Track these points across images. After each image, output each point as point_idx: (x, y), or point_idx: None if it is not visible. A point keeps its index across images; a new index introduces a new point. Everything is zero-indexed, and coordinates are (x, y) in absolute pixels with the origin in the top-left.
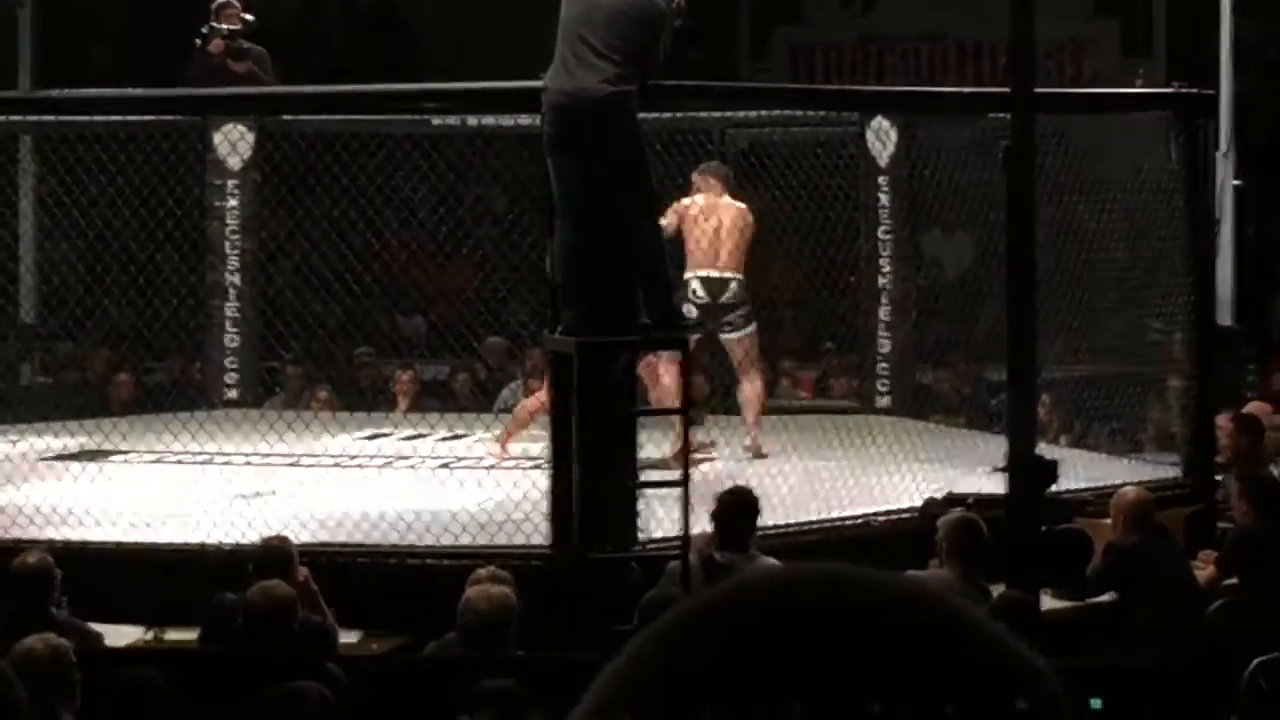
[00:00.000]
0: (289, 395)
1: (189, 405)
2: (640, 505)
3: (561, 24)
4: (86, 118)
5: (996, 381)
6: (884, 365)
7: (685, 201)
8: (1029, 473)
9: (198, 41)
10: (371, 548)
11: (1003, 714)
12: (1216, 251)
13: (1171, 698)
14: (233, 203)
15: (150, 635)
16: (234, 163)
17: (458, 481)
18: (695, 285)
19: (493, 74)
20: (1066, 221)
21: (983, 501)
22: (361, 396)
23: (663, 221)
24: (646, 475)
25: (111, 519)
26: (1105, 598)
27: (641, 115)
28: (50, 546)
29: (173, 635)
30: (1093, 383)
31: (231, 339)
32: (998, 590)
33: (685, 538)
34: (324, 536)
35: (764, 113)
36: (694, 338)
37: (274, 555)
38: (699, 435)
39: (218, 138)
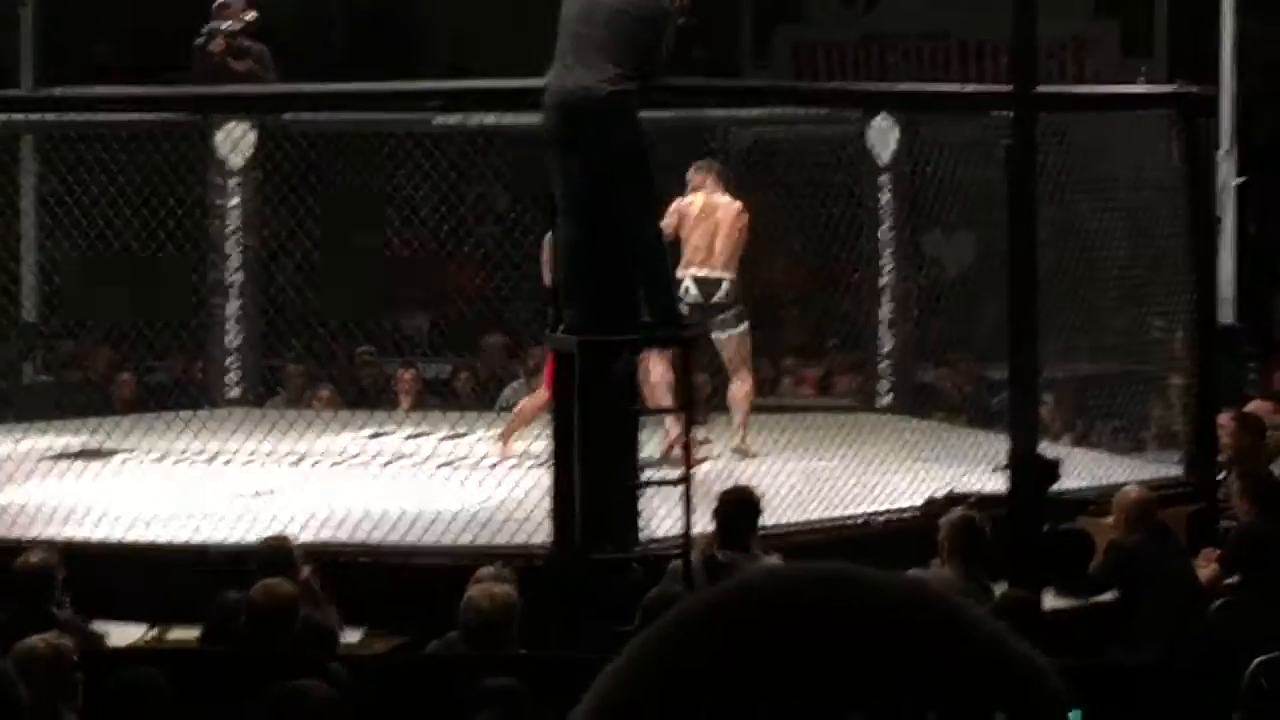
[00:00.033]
0: (291, 394)
1: (191, 404)
2: (642, 505)
3: (562, 22)
4: (88, 117)
5: (998, 380)
6: (886, 364)
7: (686, 200)
8: (1031, 472)
9: (199, 40)
10: (373, 547)
11: (1003, 712)
12: (1218, 250)
13: (1173, 696)
14: (234, 201)
15: (152, 634)
16: (235, 161)
17: (459, 480)
18: (689, 284)
19: (493, 73)
20: (1068, 220)
21: (985, 500)
22: (363, 395)
23: (664, 221)
24: (648, 475)
25: (113, 518)
26: (1107, 597)
27: (643, 114)
28: (52, 545)
29: (175, 634)
30: (1094, 381)
31: (233, 338)
32: (1000, 589)
33: (687, 537)
34: (326, 535)
35: (766, 111)
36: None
37: (276, 554)
38: (697, 434)
39: (219, 136)
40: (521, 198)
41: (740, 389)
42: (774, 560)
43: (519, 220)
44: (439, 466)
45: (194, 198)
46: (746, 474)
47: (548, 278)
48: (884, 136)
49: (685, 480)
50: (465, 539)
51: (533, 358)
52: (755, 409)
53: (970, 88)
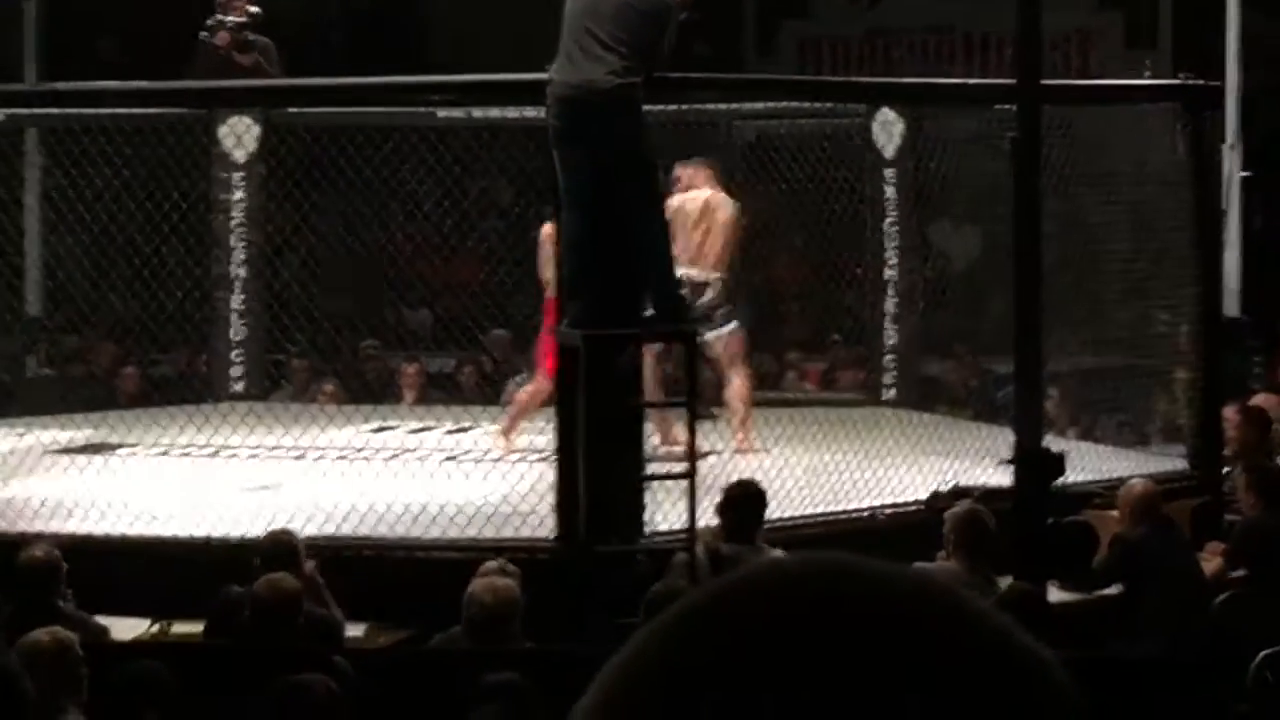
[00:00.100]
0: (295, 388)
1: (195, 398)
2: (646, 498)
3: (567, 17)
4: (92, 110)
5: (1003, 374)
6: (890, 357)
7: (686, 196)
8: (1036, 465)
9: (203, 34)
10: (377, 540)
11: (1008, 706)
12: (1223, 243)
13: (1177, 690)
14: (238, 195)
15: (156, 628)
16: (239, 155)
17: (463, 474)
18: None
19: (495, 70)
20: (1073, 214)
21: (990, 494)
22: (367, 389)
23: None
24: (652, 468)
25: (117, 512)
26: (1112, 590)
27: (647, 107)
28: (56, 539)
29: (179, 628)
30: (1099, 375)
31: (237, 332)
32: (1004, 582)
33: (692, 530)
34: (330, 529)
35: (770, 105)
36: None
37: (280, 548)
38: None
39: (223, 130)
40: (525, 192)
41: (735, 388)
42: (779, 554)
43: (523, 214)
44: (443, 461)
45: (198, 192)
46: (751, 468)
47: (545, 272)
48: (889, 130)
49: (690, 474)
50: (469, 533)
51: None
52: (758, 403)
53: (974, 81)
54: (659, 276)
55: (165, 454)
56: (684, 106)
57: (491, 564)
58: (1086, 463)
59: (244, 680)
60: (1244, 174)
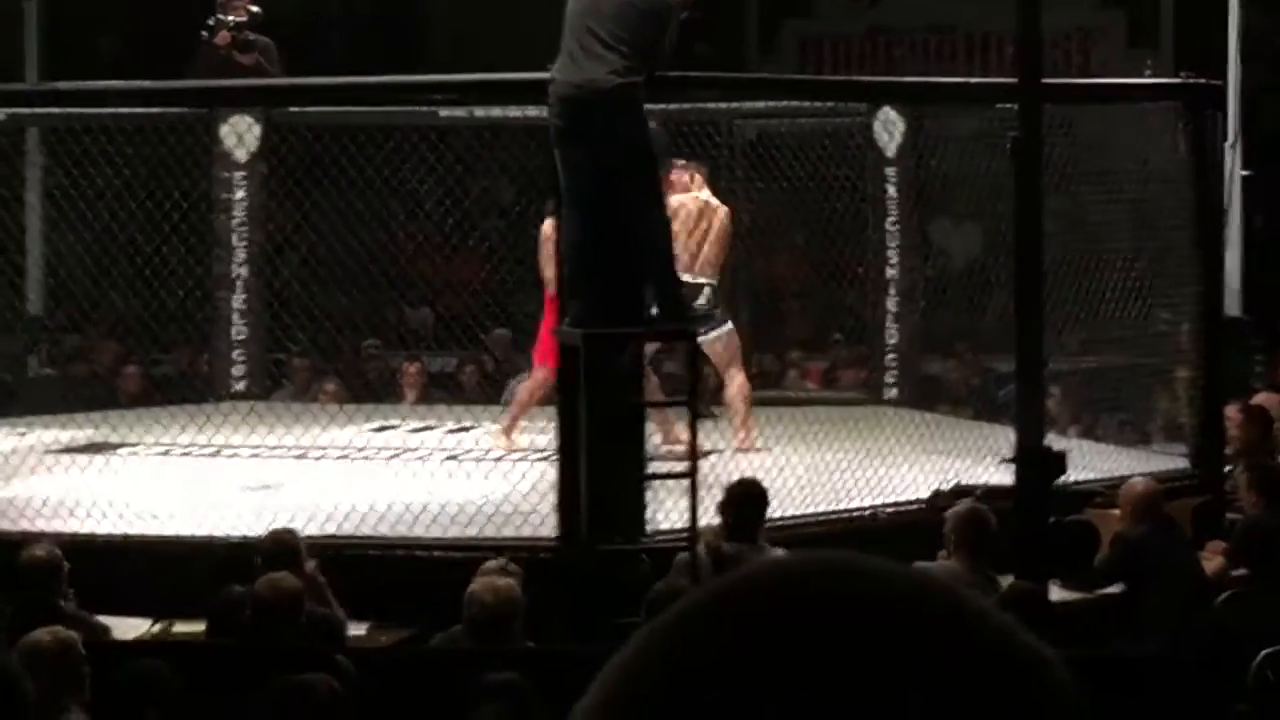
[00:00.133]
0: (296, 387)
1: (196, 397)
2: (648, 497)
3: (568, 16)
4: (93, 110)
5: (1005, 372)
6: (892, 356)
7: (693, 195)
8: (1037, 464)
9: (204, 34)
10: (379, 540)
11: (1009, 704)
12: (1224, 242)
13: (1179, 689)
14: (239, 195)
15: (158, 628)
16: (241, 155)
17: (465, 474)
18: None
19: (495, 69)
20: (1074, 212)
21: (991, 493)
22: (369, 389)
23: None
24: (654, 467)
25: (119, 511)
26: (1113, 589)
27: (649, 106)
28: (58, 539)
29: (180, 628)
30: (1101, 374)
31: (239, 331)
32: (1006, 581)
33: (693, 529)
34: (331, 529)
35: (772, 103)
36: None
37: (281, 547)
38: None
39: (224, 130)
40: (527, 191)
41: (734, 388)
42: (780, 553)
43: (524, 214)
44: (444, 460)
45: (199, 191)
46: (753, 466)
47: (546, 269)
48: (890, 129)
49: (691, 473)
50: (471, 532)
51: None
52: (759, 402)
53: (976, 80)
54: (660, 276)
55: (167, 453)
56: (685, 105)
57: (493, 563)
58: (1088, 461)
59: (245, 680)
60: (1245, 173)
